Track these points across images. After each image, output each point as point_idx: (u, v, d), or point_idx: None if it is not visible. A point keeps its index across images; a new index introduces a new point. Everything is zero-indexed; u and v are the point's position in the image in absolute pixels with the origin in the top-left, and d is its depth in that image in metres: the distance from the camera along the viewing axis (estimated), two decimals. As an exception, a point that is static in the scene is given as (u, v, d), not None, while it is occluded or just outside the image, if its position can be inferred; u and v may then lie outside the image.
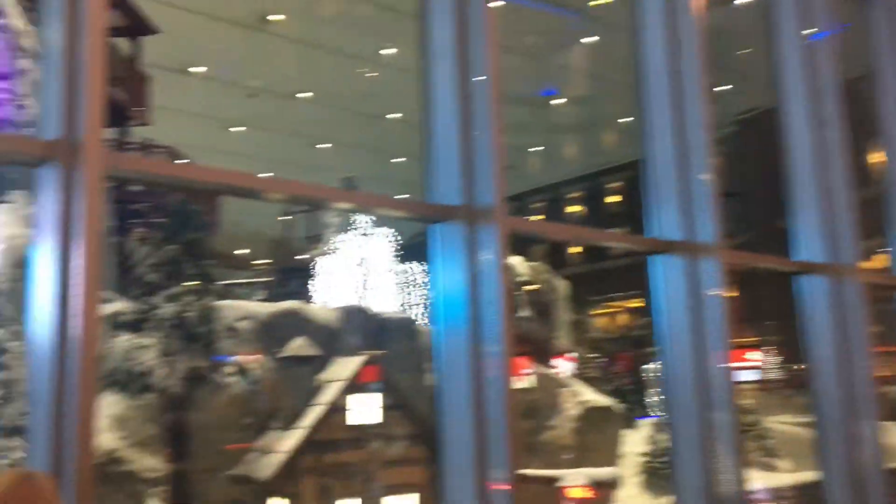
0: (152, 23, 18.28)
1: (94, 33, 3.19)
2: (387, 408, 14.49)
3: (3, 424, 11.61)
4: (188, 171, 3.57)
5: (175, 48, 20.41)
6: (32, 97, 15.56)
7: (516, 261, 21.54)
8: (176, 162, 3.81)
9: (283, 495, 13.28)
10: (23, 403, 11.90)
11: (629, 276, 30.90)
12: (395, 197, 4.54)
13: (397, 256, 22.76)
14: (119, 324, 12.21)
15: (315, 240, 25.91)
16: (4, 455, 11.46)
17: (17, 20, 16.29)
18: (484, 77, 4.46)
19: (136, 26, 17.93)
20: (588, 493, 15.37)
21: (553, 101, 26.22)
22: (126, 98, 16.63)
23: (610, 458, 17.50)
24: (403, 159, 27.82)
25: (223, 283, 14.55)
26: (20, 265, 13.80)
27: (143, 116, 18.01)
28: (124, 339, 12.23)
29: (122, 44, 17.63)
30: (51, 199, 3.08)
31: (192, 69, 22.91)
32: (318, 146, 27.86)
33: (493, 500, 4.26)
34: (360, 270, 21.95)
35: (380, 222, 23.81)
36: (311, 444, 13.59)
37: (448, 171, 4.49)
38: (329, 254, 22.55)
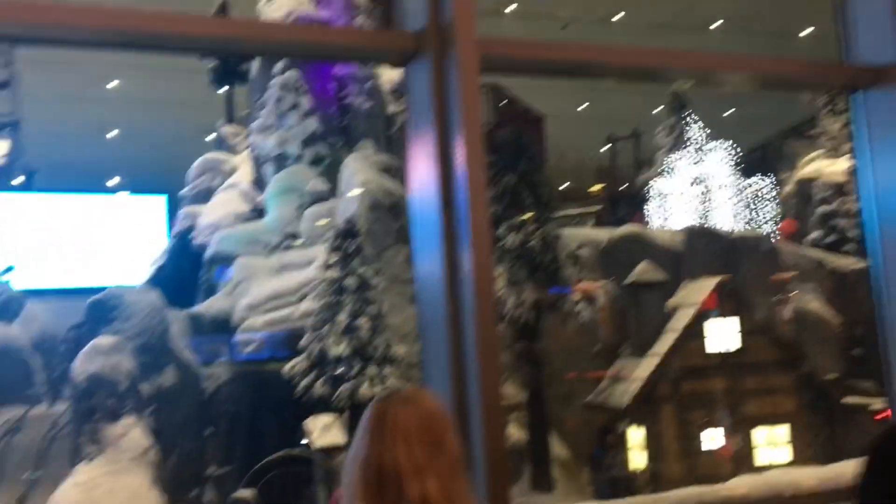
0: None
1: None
2: (746, 333, 13.25)
3: (374, 355, 12.58)
4: (566, 51, 3.03)
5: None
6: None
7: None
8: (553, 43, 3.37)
9: (640, 423, 12.85)
10: (388, 335, 12.82)
11: None
12: (799, 59, 3.59)
13: (738, 171, 20.84)
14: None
15: (645, 163, 24.76)
16: (378, 381, 12.47)
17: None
18: None
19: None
20: None
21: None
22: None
23: None
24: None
25: (558, 213, 14.32)
26: (374, 208, 14.83)
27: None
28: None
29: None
30: (424, 96, 2.74)
31: (506, 10, 22.92)
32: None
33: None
34: (697, 189, 20.47)
35: (715, 134, 21.87)
36: (666, 372, 12.93)
37: (875, 21, 3.43)
38: (662, 175, 21.33)
